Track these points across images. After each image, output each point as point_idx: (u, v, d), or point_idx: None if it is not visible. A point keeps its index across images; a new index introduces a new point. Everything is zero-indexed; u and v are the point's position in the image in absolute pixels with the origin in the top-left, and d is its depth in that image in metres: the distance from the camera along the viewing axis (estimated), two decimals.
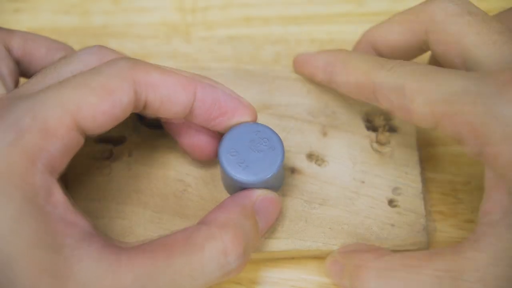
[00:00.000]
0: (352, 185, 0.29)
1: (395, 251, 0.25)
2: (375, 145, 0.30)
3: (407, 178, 0.29)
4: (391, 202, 0.28)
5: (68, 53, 0.28)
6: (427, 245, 0.27)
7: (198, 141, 0.27)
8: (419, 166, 0.29)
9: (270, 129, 0.26)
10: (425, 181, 0.31)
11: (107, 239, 0.21)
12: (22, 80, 0.28)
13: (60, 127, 0.20)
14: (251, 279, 0.29)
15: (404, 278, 0.21)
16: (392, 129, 0.30)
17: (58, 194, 0.20)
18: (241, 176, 0.25)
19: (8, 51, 0.26)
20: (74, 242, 0.19)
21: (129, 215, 0.27)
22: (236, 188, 0.26)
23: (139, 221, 0.27)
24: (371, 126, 0.30)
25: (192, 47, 0.36)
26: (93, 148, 0.29)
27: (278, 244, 0.27)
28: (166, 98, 0.23)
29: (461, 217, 0.30)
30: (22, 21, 0.37)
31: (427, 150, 0.32)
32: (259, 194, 0.25)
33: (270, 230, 0.27)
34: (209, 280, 0.22)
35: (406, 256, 0.22)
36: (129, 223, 0.27)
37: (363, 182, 0.29)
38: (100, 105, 0.21)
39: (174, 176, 0.29)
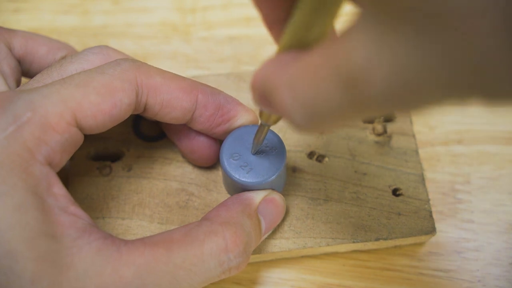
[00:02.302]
0: (355, 178, 0.29)
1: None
2: (372, 136, 0.30)
3: (407, 166, 0.29)
4: (394, 191, 0.29)
5: (69, 52, 0.28)
6: (434, 230, 0.27)
7: (198, 145, 0.27)
8: (418, 153, 0.30)
9: (271, 130, 0.26)
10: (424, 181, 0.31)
11: (107, 233, 0.21)
12: (24, 80, 0.28)
13: (60, 122, 0.20)
14: (251, 279, 0.29)
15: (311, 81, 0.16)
16: (388, 119, 0.30)
17: (58, 187, 0.20)
18: (245, 179, 0.25)
19: (10, 50, 0.26)
20: (75, 232, 0.19)
21: (135, 229, 0.27)
22: (239, 191, 0.26)
23: (145, 234, 0.27)
24: (366, 118, 0.31)
25: (192, 47, 0.36)
26: (91, 165, 0.29)
27: (288, 243, 0.27)
28: (166, 102, 0.24)
29: (461, 217, 0.30)
30: (22, 21, 0.37)
31: (427, 150, 0.32)
32: (262, 195, 0.25)
33: (279, 231, 0.27)
34: (209, 276, 0.22)
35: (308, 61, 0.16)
36: (135, 237, 0.27)
37: (365, 174, 0.29)
38: (101, 104, 0.21)
39: (176, 186, 0.28)
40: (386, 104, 0.13)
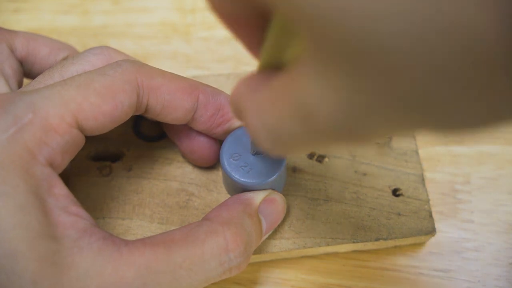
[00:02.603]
0: (355, 178, 0.29)
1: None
2: None
3: (407, 166, 0.29)
4: (394, 192, 0.29)
5: (71, 53, 0.28)
6: (434, 230, 0.27)
7: (198, 145, 0.27)
8: (418, 153, 0.30)
9: None
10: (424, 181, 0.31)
11: (108, 233, 0.21)
12: (26, 81, 0.28)
13: (61, 124, 0.20)
14: (251, 279, 0.29)
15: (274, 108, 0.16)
16: None
17: (60, 187, 0.20)
18: (245, 179, 0.25)
19: (12, 51, 0.26)
20: (75, 233, 0.20)
21: (135, 230, 0.27)
22: (239, 191, 0.26)
23: (146, 234, 0.27)
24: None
25: (192, 47, 0.36)
26: (92, 165, 0.29)
27: (288, 243, 0.27)
28: (168, 103, 0.24)
29: (461, 217, 0.30)
30: (22, 21, 0.37)
31: (427, 150, 0.32)
32: (263, 195, 0.25)
33: (279, 231, 0.27)
34: (210, 276, 0.22)
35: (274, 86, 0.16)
36: (135, 237, 0.27)
37: (365, 174, 0.29)
38: (102, 105, 0.21)
39: (176, 187, 0.28)
40: (340, 137, 0.13)
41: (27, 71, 0.27)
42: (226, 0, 0.16)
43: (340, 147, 0.28)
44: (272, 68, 0.17)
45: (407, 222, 0.28)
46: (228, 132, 0.26)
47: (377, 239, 0.27)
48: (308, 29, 0.11)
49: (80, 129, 0.21)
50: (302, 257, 0.29)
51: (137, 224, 0.27)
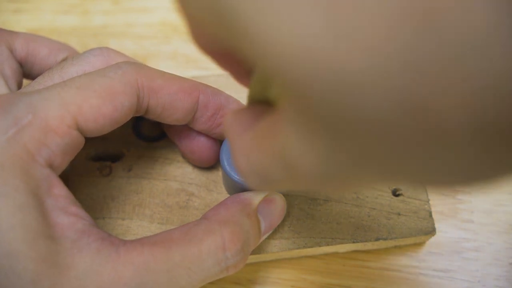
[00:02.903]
0: None
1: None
2: None
3: None
4: (394, 191, 0.29)
5: (71, 54, 0.28)
6: (434, 230, 0.27)
7: (198, 145, 0.27)
8: None
9: None
10: None
11: (106, 233, 0.21)
12: (25, 82, 0.28)
13: (60, 125, 0.20)
14: (251, 279, 0.29)
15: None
16: None
17: (59, 188, 0.20)
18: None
19: (12, 52, 0.26)
20: (74, 234, 0.20)
21: (135, 230, 0.27)
22: (239, 191, 0.26)
23: (146, 234, 0.27)
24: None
25: (192, 47, 0.36)
26: (92, 166, 0.29)
27: (288, 243, 0.27)
28: (168, 104, 0.24)
29: (461, 217, 0.30)
30: (22, 21, 0.37)
31: None
32: (262, 195, 0.25)
33: (279, 231, 0.27)
34: (207, 275, 0.22)
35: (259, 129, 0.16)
36: (135, 237, 0.27)
37: None
38: (101, 107, 0.21)
39: (176, 187, 0.28)
40: (322, 185, 0.14)
41: (27, 72, 0.27)
42: (210, 42, 0.16)
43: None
44: (260, 102, 0.18)
45: (407, 222, 0.28)
46: None
47: (377, 239, 0.27)
48: (283, 87, 0.11)
49: (80, 130, 0.21)
50: (302, 257, 0.29)
51: (137, 224, 0.27)
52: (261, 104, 0.17)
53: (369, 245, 0.28)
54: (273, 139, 0.14)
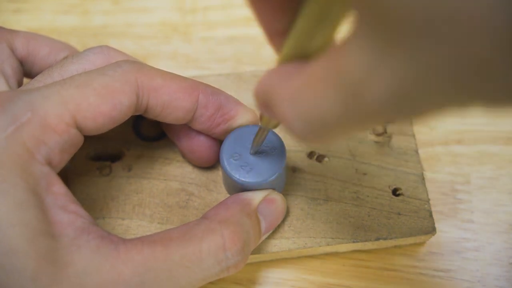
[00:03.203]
0: (354, 178, 0.29)
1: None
2: (372, 136, 0.30)
3: (407, 166, 0.29)
4: (394, 191, 0.29)
5: (71, 52, 0.28)
6: (434, 230, 0.27)
7: (198, 145, 0.27)
8: (418, 153, 0.30)
9: (271, 130, 0.26)
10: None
11: (106, 232, 0.21)
12: (26, 80, 0.28)
13: (59, 123, 0.20)
14: (251, 279, 0.29)
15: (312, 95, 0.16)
16: None
17: (58, 186, 0.20)
18: (245, 179, 0.25)
19: (12, 51, 0.26)
20: (73, 232, 0.20)
21: (135, 229, 0.27)
22: (239, 191, 0.26)
23: (145, 234, 0.27)
24: (367, 129, 0.31)
25: (192, 47, 0.36)
26: (91, 165, 0.29)
27: (288, 243, 0.27)
28: (168, 104, 0.24)
29: (461, 217, 0.30)
30: (22, 21, 0.37)
31: (427, 150, 0.32)
32: (262, 195, 0.25)
33: (279, 231, 0.27)
34: (208, 274, 0.22)
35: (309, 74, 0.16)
36: (135, 237, 0.27)
37: (365, 174, 0.29)
38: (100, 106, 0.21)
39: (176, 187, 0.28)
40: (386, 114, 0.13)
41: (27, 70, 0.27)
42: None
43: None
44: (296, 58, 0.17)
45: (407, 221, 0.28)
46: (228, 132, 0.26)
47: (377, 239, 0.27)
48: (369, 4, 0.11)
49: (79, 128, 0.21)
50: (302, 257, 0.29)
51: (137, 224, 0.27)
52: (296, 60, 0.17)
53: (369, 245, 0.28)
54: (335, 71, 0.13)
